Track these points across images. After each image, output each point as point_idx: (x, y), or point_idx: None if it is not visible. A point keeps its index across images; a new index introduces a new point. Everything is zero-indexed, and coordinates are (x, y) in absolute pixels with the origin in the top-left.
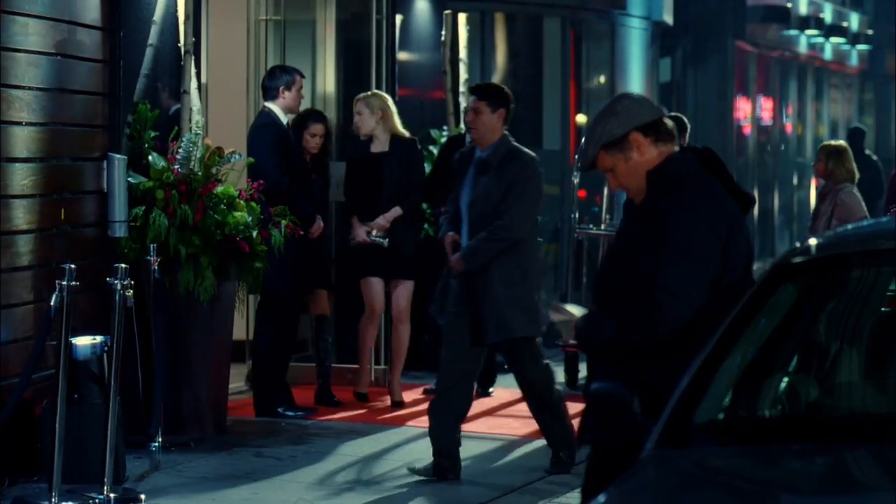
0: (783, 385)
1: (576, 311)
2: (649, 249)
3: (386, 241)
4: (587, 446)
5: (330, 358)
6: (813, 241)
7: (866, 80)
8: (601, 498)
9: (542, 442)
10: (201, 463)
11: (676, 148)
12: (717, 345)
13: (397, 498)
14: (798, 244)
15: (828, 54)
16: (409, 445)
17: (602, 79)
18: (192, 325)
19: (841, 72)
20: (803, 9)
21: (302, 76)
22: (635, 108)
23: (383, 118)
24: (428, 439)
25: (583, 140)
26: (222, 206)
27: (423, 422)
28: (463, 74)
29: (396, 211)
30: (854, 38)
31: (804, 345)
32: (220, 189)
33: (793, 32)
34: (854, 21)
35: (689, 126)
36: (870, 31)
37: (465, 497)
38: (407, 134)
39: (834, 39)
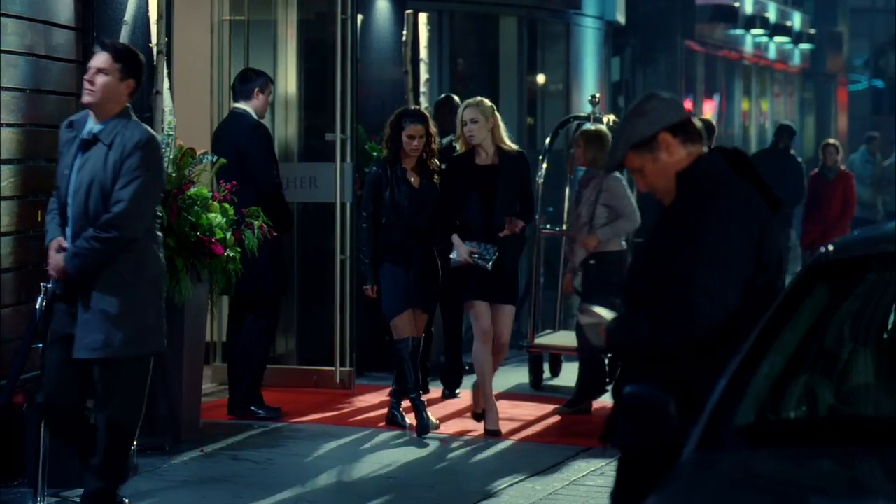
0: (822, 387)
1: (605, 314)
2: (683, 251)
3: (490, 265)
4: (615, 448)
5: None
6: (847, 242)
7: (807, 79)
8: (650, 501)
9: (510, 442)
10: (179, 466)
11: (705, 149)
12: (754, 347)
13: (382, 502)
14: (831, 245)
15: (772, 54)
16: (383, 448)
17: (557, 78)
18: (167, 327)
19: (784, 71)
20: (749, 8)
21: (271, 81)
22: (664, 107)
23: (495, 127)
24: (401, 441)
25: (611, 140)
26: (196, 207)
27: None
28: (424, 75)
29: (520, 222)
30: (797, 38)
31: (841, 346)
32: (193, 190)
33: (739, 32)
34: (797, 20)
35: (716, 129)
36: (812, 31)
37: (443, 500)
38: (514, 146)
39: (778, 39)
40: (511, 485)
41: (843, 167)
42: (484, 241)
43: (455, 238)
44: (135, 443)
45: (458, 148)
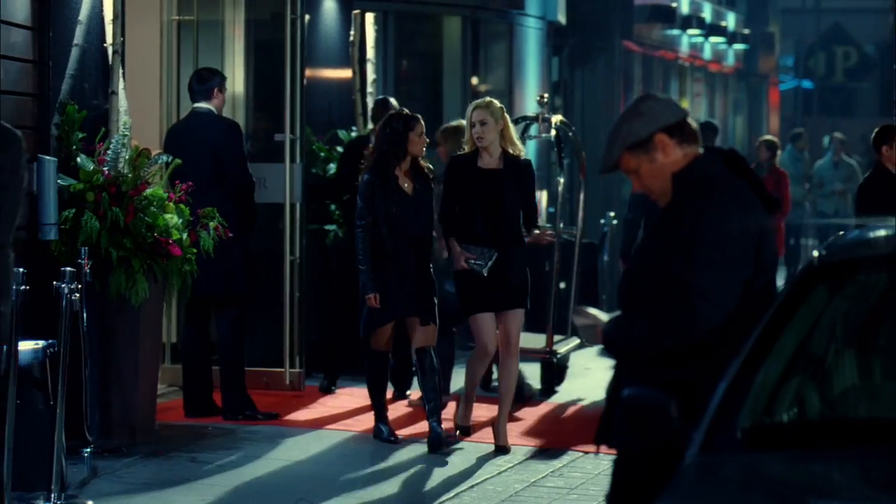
0: (825, 389)
1: (601, 315)
2: (681, 253)
3: (486, 270)
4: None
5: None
6: (844, 243)
7: (741, 79)
8: None
9: (465, 443)
10: (139, 469)
11: (701, 150)
12: (755, 348)
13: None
14: (830, 245)
15: (707, 54)
16: (341, 449)
17: (500, 78)
18: (123, 328)
19: (719, 71)
20: (685, 9)
21: (226, 78)
22: (660, 108)
23: (505, 129)
24: (358, 444)
25: (606, 141)
26: (152, 208)
27: (352, 425)
28: (371, 75)
29: (547, 237)
30: (731, 38)
31: (842, 347)
32: (149, 191)
33: (676, 32)
34: (731, 21)
35: (719, 130)
36: (746, 31)
37: (403, 503)
38: (522, 151)
39: (713, 39)
40: (471, 486)
41: (776, 164)
42: (487, 246)
43: (453, 243)
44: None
45: (465, 149)
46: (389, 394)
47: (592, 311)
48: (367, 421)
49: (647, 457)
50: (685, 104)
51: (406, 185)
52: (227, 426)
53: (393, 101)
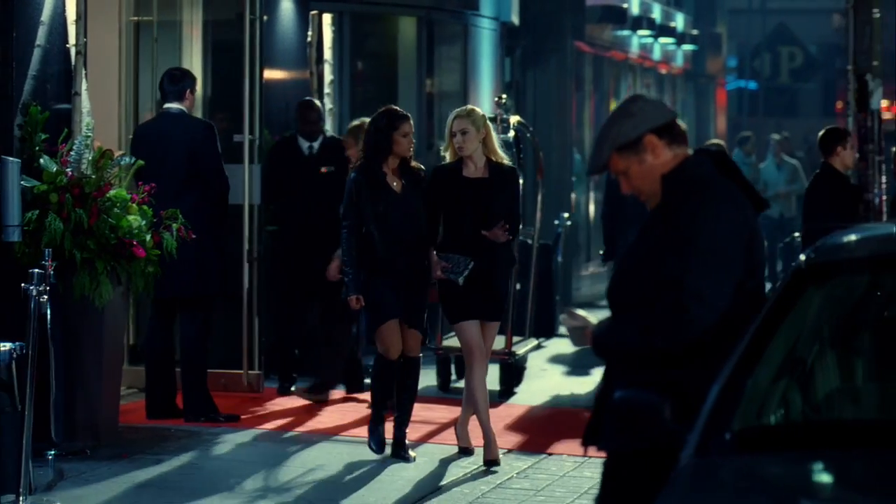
0: (818, 390)
1: (590, 317)
2: (673, 254)
3: (461, 278)
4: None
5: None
6: (835, 244)
7: (689, 80)
8: None
9: (429, 446)
10: (105, 471)
11: (690, 151)
12: (748, 350)
13: None
14: (820, 246)
15: (657, 55)
16: (303, 452)
17: (455, 79)
18: (87, 330)
19: (668, 72)
20: (636, 9)
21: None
22: (650, 109)
23: (486, 137)
24: (322, 446)
25: (594, 142)
26: (116, 209)
27: (314, 427)
28: (328, 76)
29: (505, 232)
30: (681, 39)
31: (833, 349)
32: (113, 192)
33: (626, 33)
34: (680, 21)
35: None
36: (694, 32)
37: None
38: (506, 159)
39: (663, 40)
40: (438, 489)
41: None
42: (476, 256)
43: (432, 254)
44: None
45: (446, 158)
46: (340, 394)
47: (581, 312)
48: (329, 422)
49: (639, 459)
50: None
51: (395, 184)
52: (189, 428)
53: (318, 102)
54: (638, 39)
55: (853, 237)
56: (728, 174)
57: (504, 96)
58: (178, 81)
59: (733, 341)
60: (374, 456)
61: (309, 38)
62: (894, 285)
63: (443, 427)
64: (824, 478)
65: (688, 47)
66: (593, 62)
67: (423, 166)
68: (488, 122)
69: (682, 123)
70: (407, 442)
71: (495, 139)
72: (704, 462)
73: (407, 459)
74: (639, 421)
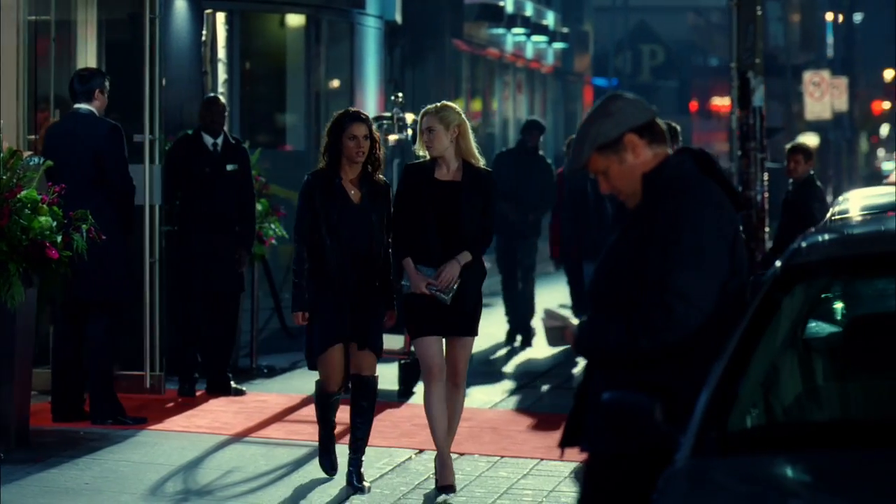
0: (812, 389)
1: (570, 317)
2: (657, 254)
3: (449, 298)
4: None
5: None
6: (819, 242)
7: (558, 77)
8: None
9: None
10: (21, 475)
11: (670, 150)
12: (738, 350)
13: None
14: (806, 245)
15: (529, 53)
16: (220, 453)
17: (342, 77)
18: None
19: (538, 69)
20: (510, 7)
21: (108, 78)
22: (630, 108)
23: (460, 137)
24: (236, 447)
25: (573, 141)
26: (27, 210)
27: (222, 429)
28: (222, 75)
29: (466, 256)
30: (552, 37)
31: (827, 347)
32: (23, 193)
33: (501, 31)
34: (551, 19)
35: (679, 133)
36: (565, 30)
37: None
38: (482, 161)
39: (535, 38)
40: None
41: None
42: (434, 267)
43: (408, 263)
44: None
45: (420, 156)
46: (173, 393)
47: (560, 312)
48: (237, 423)
49: (626, 460)
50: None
51: (352, 192)
52: (98, 431)
53: (223, 99)
54: (512, 38)
55: (840, 234)
56: (709, 173)
57: (401, 94)
58: (86, 81)
59: (717, 342)
60: (288, 456)
61: (203, 37)
62: (882, 283)
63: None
64: (825, 478)
65: (558, 45)
66: (470, 61)
67: (385, 179)
68: (465, 120)
69: (661, 122)
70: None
71: (471, 140)
72: (701, 463)
73: (361, 490)
74: (629, 422)
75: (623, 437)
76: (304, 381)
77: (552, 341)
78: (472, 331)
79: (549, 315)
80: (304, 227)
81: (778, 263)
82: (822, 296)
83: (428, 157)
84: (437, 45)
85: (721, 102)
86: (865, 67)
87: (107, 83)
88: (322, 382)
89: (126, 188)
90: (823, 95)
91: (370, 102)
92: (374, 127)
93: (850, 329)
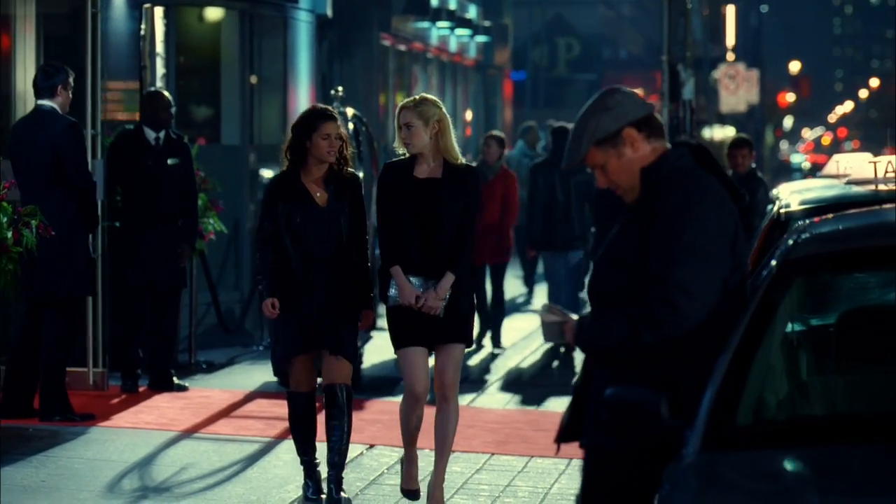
0: (820, 383)
1: (569, 312)
2: (659, 249)
3: (442, 310)
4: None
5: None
6: (823, 235)
7: (479, 71)
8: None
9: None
10: None
11: (668, 144)
12: (743, 344)
13: None
14: (806, 237)
15: (453, 46)
16: (171, 449)
17: (276, 71)
18: None
19: (460, 63)
20: (435, 1)
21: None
22: (629, 102)
23: (439, 134)
24: (186, 443)
25: (570, 136)
26: None
27: (170, 425)
28: (160, 69)
29: (450, 279)
30: (476, 30)
31: (830, 341)
32: None
33: (426, 25)
34: (473, 12)
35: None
36: (487, 23)
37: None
38: (462, 159)
39: (459, 31)
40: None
41: (505, 166)
42: (424, 275)
43: (396, 272)
44: None
45: (399, 152)
46: (116, 390)
47: (559, 307)
48: (185, 421)
49: (628, 455)
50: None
51: (318, 194)
52: (48, 428)
53: (167, 94)
54: (437, 31)
55: (839, 227)
56: (707, 167)
57: (340, 88)
58: (49, 77)
59: (720, 336)
60: (239, 452)
61: (142, 32)
62: (883, 276)
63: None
64: (839, 472)
65: (481, 38)
66: (396, 55)
67: (356, 172)
68: (445, 115)
69: (658, 116)
70: (343, 493)
71: (452, 136)
72: (711, 458)
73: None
74: (636, 418)
75: (628, 432)
76: (244, 377)
77: (549, 336)
78: (463, 338)
79: (548, 310)
80: (265, 234)
81: (774, 260)
82: (827, 288)
83: (407, 154)
84: (365, 38)
85: None
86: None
87: (70, 79)
88: (291, 391)
89: (86, 185)
90: (738, 88)
91: (303, 97)
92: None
93: (858, 321)
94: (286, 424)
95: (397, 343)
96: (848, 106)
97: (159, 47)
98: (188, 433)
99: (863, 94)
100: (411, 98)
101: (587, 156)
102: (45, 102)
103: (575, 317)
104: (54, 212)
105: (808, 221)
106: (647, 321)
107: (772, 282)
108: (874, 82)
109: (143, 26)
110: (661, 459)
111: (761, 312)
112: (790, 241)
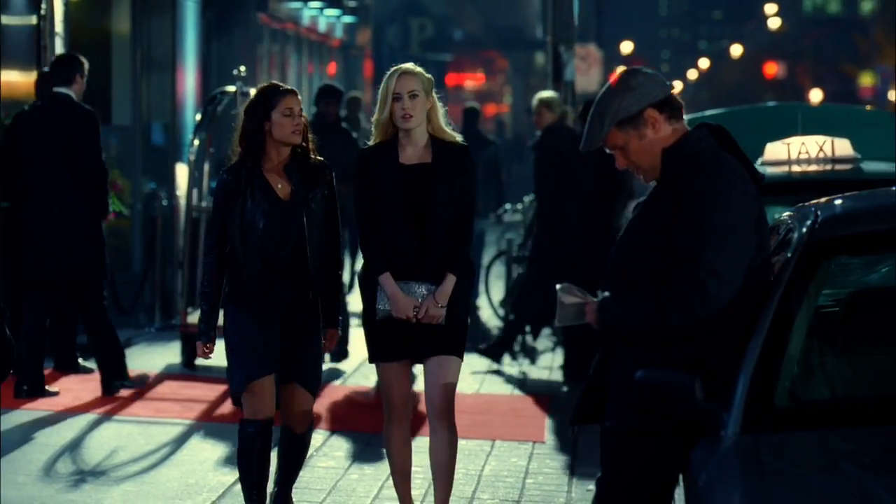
0: (855, 365)
1: (587, 294)
2: (686, 231)
3: (443, 319)
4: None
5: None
6: (845, 216)
7: (343, 51)
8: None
9: (217, 425)
10: None
11: (688, 126)
12: (773, 326)
13: (134, 488)
14: (826, 217)
15: (322, 27)
16: (96, 431)
17: (164, 51)
18: None
19: (327, 44)
20: None
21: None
22: (650, 83)
23: (433, 110)
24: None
25: (590, 116)
26: None
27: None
28: (59, 49)
29: (451, 282)
30: (344, 11)
31: (861, 322)
32: None
33: (298, 5)
34: None
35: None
36: (352, 3)
37: (188, 490)
38: (457, 136)
39: (328, 12)
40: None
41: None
42: (419, 278)
43: (386, 280)
44: None
45: (371, 138)
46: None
47: (578, 288)
48: (100, 403)
49: (654, 436)
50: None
51: (279, 186)
52: None
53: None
54: (308, 11)
55: (862, 207)
56: (727, 148)
57: (243, 67)
58: (65, 66)
59: (745, 317)
60: (164, 435)
61: (43, 11)
62: None
63: (215, 405)
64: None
65: (348, 19)
66: (271, 35)
67: (322, 158)
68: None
69: (678, 97)
70: None
71: (440, 111)
72: (752, 440)
73: None
74: (670, 400)
75: (662, 414)
76: (145, 359)
77: (564, 319)
78: (458, 349)
79: (566, 290)
80: (214, 237)
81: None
82: (848, 269)
83: (377, 137)
84: (243, 19)
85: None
86: (607, 40)
87: (85, 68)
88: (246, 418)
89: (96, 174)
90: (590, 69)
91: (190, 77)
92: (223, 103)
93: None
94: (203, 406)
95: (376, 356)
96: (676, 86)
97: (59, 27)
98: (108, 415)
99: (691, 74)
100: (407, 64)
101: (608, 137)
102: (62, 90)
103: (592, 298)
104: (66, 197)
105: (821, 201)
106: (675, 302)
107: (798, 263)
108: (704, 63)
109: (43, 5)
110: (686, 440)
111: (789, 294)
112: (809, 222)
